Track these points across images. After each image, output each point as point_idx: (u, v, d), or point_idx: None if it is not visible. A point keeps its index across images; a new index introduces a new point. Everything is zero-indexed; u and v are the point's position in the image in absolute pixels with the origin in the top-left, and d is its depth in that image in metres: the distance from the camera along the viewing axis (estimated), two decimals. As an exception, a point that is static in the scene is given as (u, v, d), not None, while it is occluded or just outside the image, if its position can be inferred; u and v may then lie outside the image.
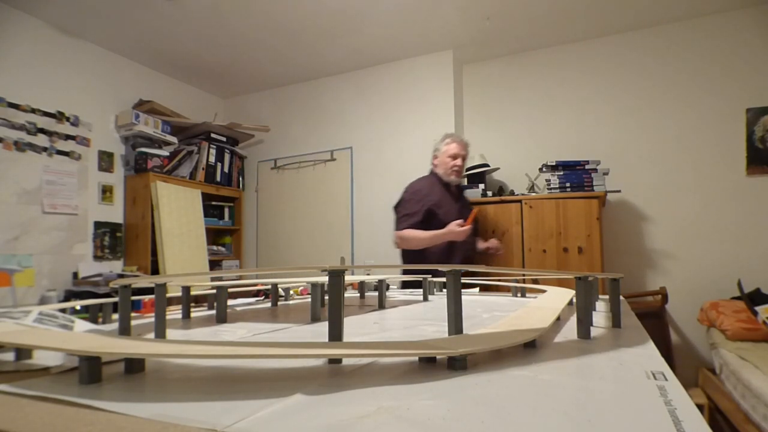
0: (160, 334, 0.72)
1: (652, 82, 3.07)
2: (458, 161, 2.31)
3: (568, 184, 2.83)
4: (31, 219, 2.82)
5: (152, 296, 0.85)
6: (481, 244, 2.47)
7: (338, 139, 3.87)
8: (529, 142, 3.39)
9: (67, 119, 3.05)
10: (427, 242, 2.19)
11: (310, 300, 0.99)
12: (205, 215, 3.65)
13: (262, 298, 1.52)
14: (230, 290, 1.24)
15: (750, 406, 1.76)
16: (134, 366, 0.49)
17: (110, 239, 3.27)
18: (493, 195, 3.11)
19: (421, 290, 1.59)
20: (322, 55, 3.55)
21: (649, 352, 0.59)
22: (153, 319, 0.74)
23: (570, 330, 0.75)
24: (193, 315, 1.06)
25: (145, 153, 3.31)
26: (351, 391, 0.41)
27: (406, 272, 2.27)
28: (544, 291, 1.36)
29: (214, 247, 3.98)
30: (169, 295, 0.88)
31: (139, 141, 3.35)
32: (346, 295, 1.20)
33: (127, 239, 3.36)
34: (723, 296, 2.72)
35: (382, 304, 1.19)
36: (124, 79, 3.47)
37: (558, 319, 0.83)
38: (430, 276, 1.53)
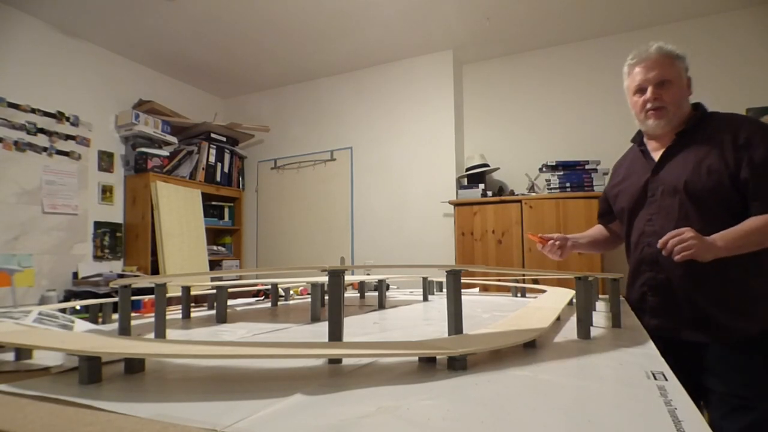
0: (160, 334, 0.72)
1: (652, 82, 3.07)
2: (648, 94, 1.25)
3: (568, 184, 2.83)
4: (31, 219, 2.82)
5: (152, 296, 0.85)
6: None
7: (338, 139, 3.87)
8: (529, 142, 3.39)
9: (67, 119, 3.05)
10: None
11: (310, 300, 0.99)
12: (205, 215, 3.65)
13: (262, 298, 1.52)
14: (230, 290, 1.24)
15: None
16: (134, 366, 0.49)
17: (110, 239, 3.27)
18: (493, 195, 3.11)
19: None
20: (322, 55, 3.55)
21: (649, 352, 0.59)
22: (153, 319, 0.74)
23: (570, 330, 0.75)
24: (193, 315, 1.06)
25: (145, 153, 3.31)
26: (351, 391, 0.41)
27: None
28: (544, 291, 1.36)
29: (214, 247, 3.98)
30: (169, 295, 0.88)
31: (139, 141, 3.35)
32: (346, 295, 1.20)
33: (127, 239, 3.36)
34: (723, 296, 2.71)
35: (382, 304, 1.19)
36: (124, 79, 3.47)
37: (558, 319, 0.83)
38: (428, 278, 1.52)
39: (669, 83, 1.24)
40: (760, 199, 1.09)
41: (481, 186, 3.10)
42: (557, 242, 1.41)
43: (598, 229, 1.59)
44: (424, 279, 1.44)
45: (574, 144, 3.23)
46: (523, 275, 1.74)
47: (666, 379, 0.45)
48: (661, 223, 1.20)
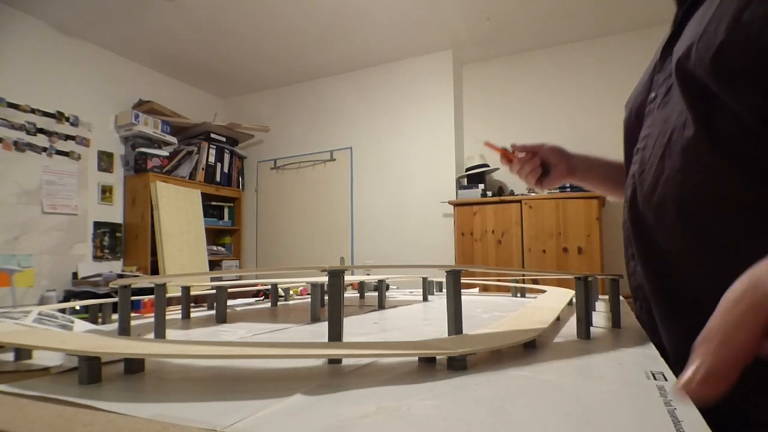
0: (160, 334, 0.72)
1: (652, 83, 3.08)
2: None
3: (567, 185, 2.83)
4: (30, 219, 2.82)
5: (152, 296, 0.85)
6: None
7: (338, 139, 3.87)
8: (528, 142, 3.39)
9: (67, 119, 3.05)
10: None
11: (310, 300, 0.99)
12: (205, 215, 3.65)
13: (262, 298, 1.52)
14: (230, 290, 1.23)
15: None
16: (134, 366, 0.49)
17: (110, 239, 3.27)
18: (493, 195, 3.11)
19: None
20: (322, 55, 3.55)
21: (649, 352, 0.59)
22: (153, 319, 0.74)
23: (570, 330, 0.75)
24: (192, 315, 1.06)
25: (145, 153, 3.31)
26: (351, 391, 0.41)
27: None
28: (543, 291, 1.36)
29: (214, 247, 3.98)
30: (169, 295, 0.88)
31: (138, 141, 3.36)
32: (346, 295, 1.20)
33: (127, 239, 3.36)
34: (723, 296, 2.71)
35: (382, 304, 1.19)
36: (124, 79, 3.47)
37: (558, 319, 0.83)
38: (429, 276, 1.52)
39: None
40: None
41: (481, 186, 3.10)
42: (534, 158, 0.88)
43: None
44: (424, 279, 1.44)
45: (573, 144, 3.21)
46: (523, 275, 1.74)
47: (666, 380, 0.45)
48: (647, 155, 0.58)
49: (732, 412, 0.44)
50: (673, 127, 0.54)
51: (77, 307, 1.07)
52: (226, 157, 3.98)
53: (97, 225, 3.22)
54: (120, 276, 3.01)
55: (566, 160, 0.90)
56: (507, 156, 0.92)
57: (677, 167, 0.53)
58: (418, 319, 0.97)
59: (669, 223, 0.54)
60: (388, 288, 1.75)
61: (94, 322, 0.96)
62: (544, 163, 0.88)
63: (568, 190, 2.82)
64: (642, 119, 0.63)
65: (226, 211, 4.11)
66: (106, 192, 3.29)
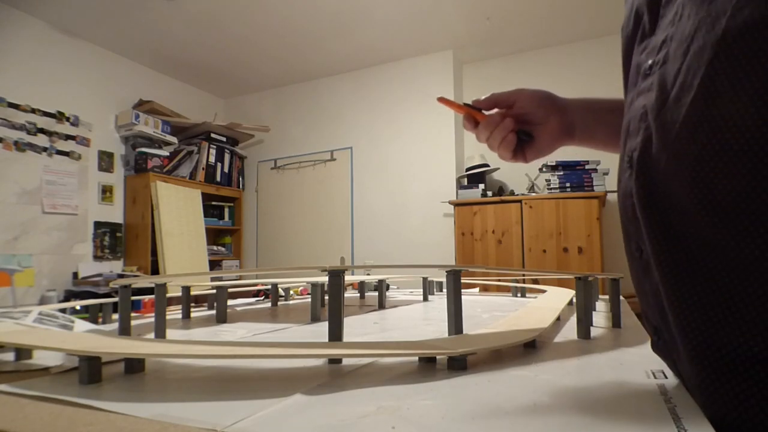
0: (160, 334, 0.72)
1: (652, 82, 3.07)
2: None
3: (568, 184, 2.83)
4: (31, 219, 2.82)
5: (152, 296, 0.85)
6: None
7: (338, 139, 3.87)
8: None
9: (67, 119, 3.05)
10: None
11: (310, 300, 0.99)
12: (205, 215, 3.65)
13: (262, 298, 1.52)
14: (230, 290, 1.23)
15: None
16: (134, 366, 0.49)
17: (110, 239, 3.28)
18: (493, 195, 3.11)
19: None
20: (322, 55, 3.56)
21: (649, 351, 0.59)
22: (153, 319, 0.74)
23: (570, 330, 0.75)
24: (193, 315, 1.06)
25: (145, 153, 3.32)
26: (351, 391, 0.41)
27: None
28: (544, 291, 1.36)
29: (214, 247, 3.98)
30: (169, 295, 0.88)
31: (139, 141, 3.36)
32: (346, 295, 1.20)
33: (127, 239, 3.36)
34: (723, 296, 2.71)
35: (382, 304, 1.19)
36: (124, 79, 3.47)
37: (558, 319, 0.83)
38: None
39: None
40: None
41: (481, 186, 3.10)
42: (505, 118, 0.60)
43: None
44: (424, 279, 1.44)
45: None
46: (523, 275, 1.73)
47: (666, 377, 0.45)
48: (672, 73, 0.32)
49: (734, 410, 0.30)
50: (732, 5, 0.27)
51: (77, 307, 1.07)
52: (227, 157, 3.98)
53: (98, 225, 3.22)
54: (120, 276, 3.01)
55: (558, 113, 0.61)
56: (473, 116, 0.62)
57: (748, 86, 0.27)
58: (419, 319, 0.97)
59: (721, 204, 0.29)
60: (388, 288, 1.75)
61: (95, 321, 0.96)
62: (524, 123, 0.60)
63: (569, 189, 2.82)
64: (656, 15, 0.37)
65: (226, 211, 4.12)
66: (106, 192, 3.29)
